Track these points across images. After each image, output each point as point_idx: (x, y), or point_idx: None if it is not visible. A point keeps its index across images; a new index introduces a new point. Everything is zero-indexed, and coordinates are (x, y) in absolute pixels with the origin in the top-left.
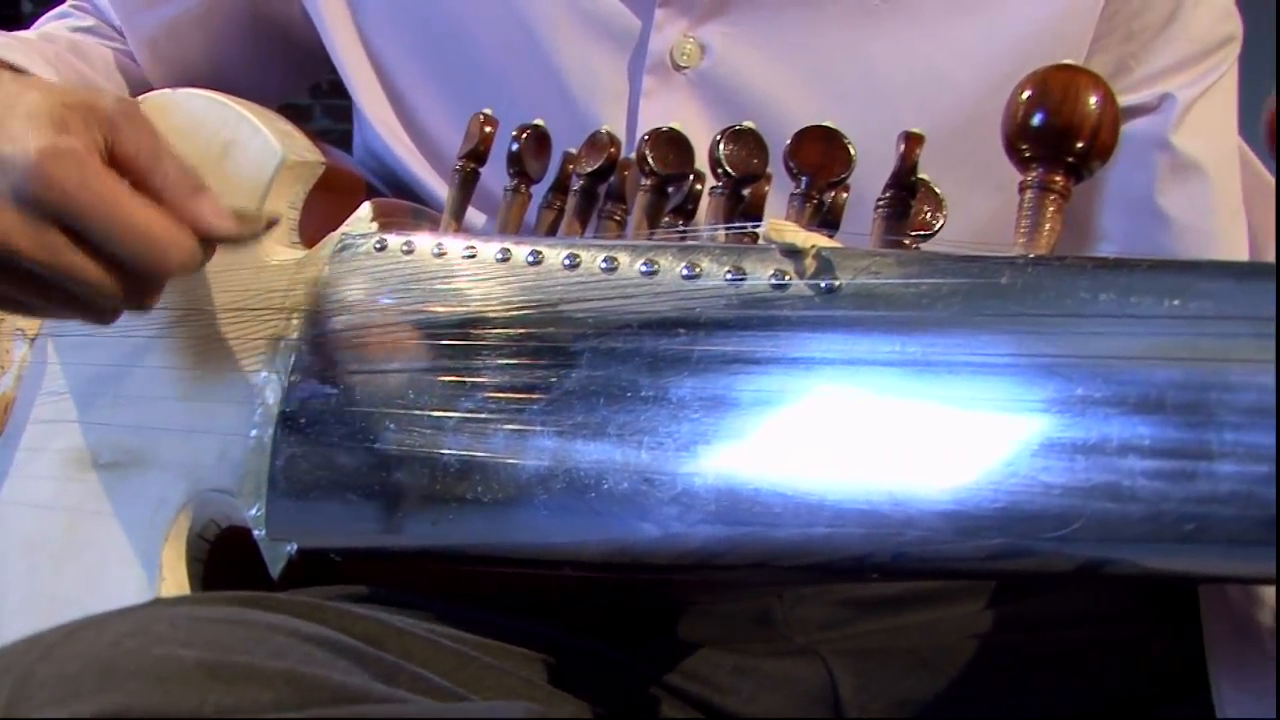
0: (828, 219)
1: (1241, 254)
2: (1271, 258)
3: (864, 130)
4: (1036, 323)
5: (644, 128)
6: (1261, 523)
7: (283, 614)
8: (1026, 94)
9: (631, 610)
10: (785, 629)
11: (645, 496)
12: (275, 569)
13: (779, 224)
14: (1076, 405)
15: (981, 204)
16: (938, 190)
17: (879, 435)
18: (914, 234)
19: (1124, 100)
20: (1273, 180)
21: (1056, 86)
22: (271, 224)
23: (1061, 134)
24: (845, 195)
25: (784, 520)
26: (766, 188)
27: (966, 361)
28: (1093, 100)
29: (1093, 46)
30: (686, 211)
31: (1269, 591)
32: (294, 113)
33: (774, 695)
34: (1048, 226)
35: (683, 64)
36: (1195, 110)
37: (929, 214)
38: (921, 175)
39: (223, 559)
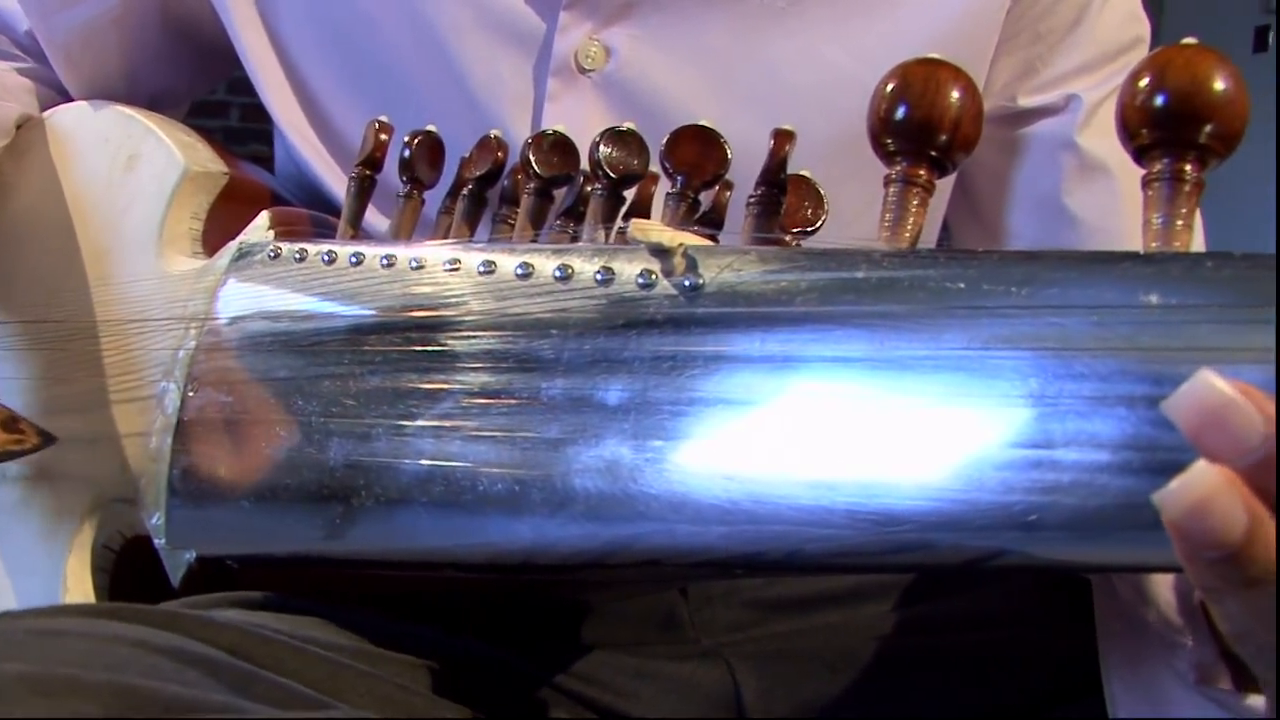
0: (711, 218)
1: None
2: None
3: (769, 132)
4: (891, 316)
5: None
6: (1101, 511)
7: (137, 624)
8: (889, 87)
9: (532, 613)
10: (691, 631)
11: (518, 497)
12: (176, 577)
13: (643, 223)
14: (930, 398)
15: None
16: (820, 188)
17: (739, 432)
18: (795, 231)
19: (1031, 101)
20: None
21: (917, 80)
22: (43, 445)
23: (923, 127)
24: (728, 194)
25: (651, 518)
26: (653, 188)
27: (823, 356)
28: (954, 94)
29: (1001, 49)
30: (579, 214)
31: (1156, 592)
32: (261, 114)
33: (676, 699)
34: (911, 221)
35: (588, 67)
36: (1103, 111)
37: (810, 211)
38: (803, 172)
39: (130, 569)
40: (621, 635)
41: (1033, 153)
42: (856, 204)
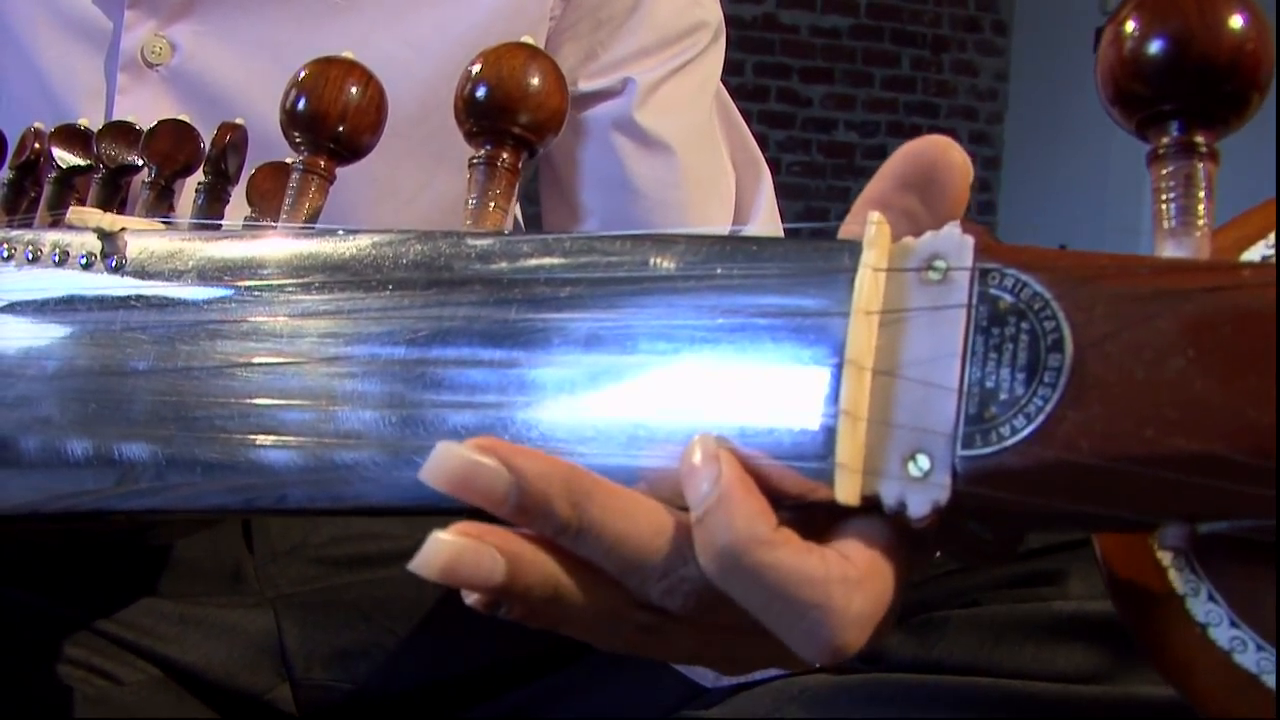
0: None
1: (717, 222)
2: (754, 223)
3: None
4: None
5: None
6: None
7: None
8: (293, 80)
9: (97, 566)
10: (256, 585)
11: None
12: None
13: (81, 210)
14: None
15: (445, 184)
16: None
17: (148, 394)
18: (277, 216)
19: (590, 85)
20: (759, 153)
21: (311, 77)
22: None
23: (314, 119)
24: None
25: (74, 472)
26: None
27: (202, 322)
28: (351, 88)
29: (564, 35)
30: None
31: None
32: None
33: (219, 643)
34: (308, 204)
35: (154, 61)
36: (662, 91)
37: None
38: (288, 160)
39: None
40: (194, 587)
41: (595, 134)
42: (413, 184)
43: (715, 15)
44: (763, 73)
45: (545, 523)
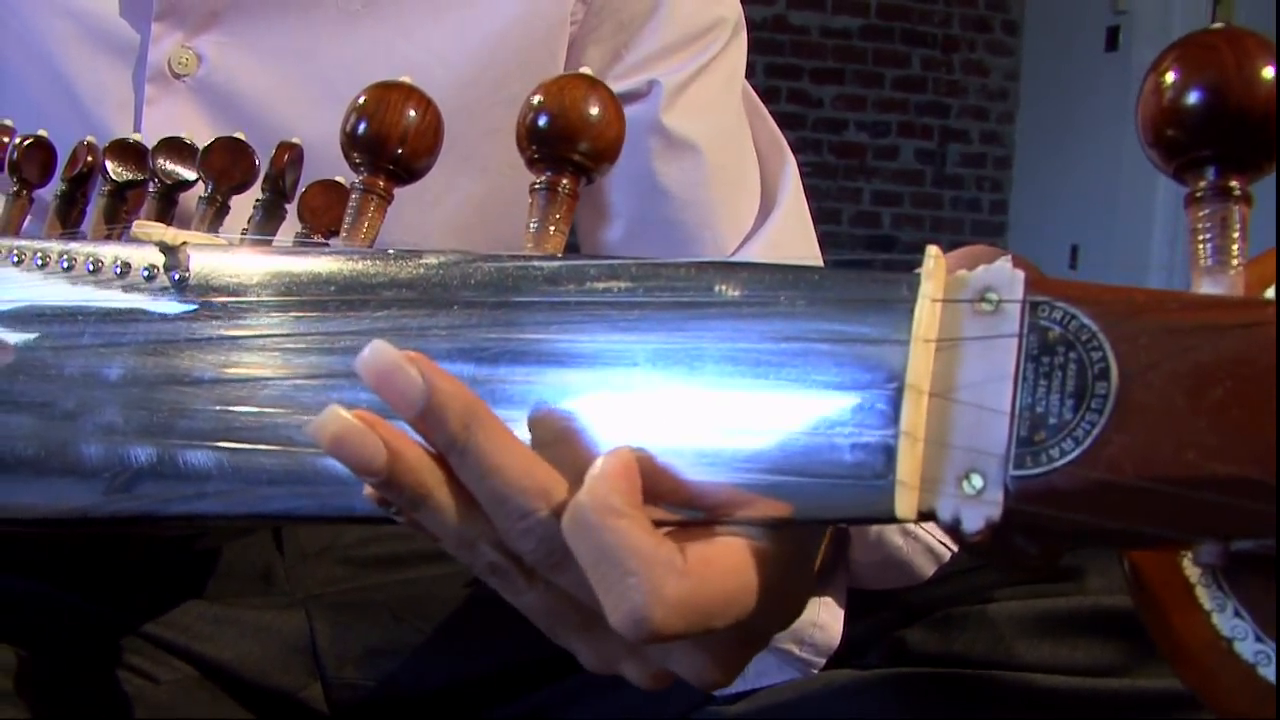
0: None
1: (745, 219)
2: (780, 205)
3: None
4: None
5: (149, 133)
6: None
7: None
8: (353, 105)
9: (132, 566)
10: (286, 585)
11: (42, 463)
12: None
13: (145, 224)
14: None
15: (469, 188)
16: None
17: (216, 402)
18: (325, 231)
19: (617, 87)
20: (781, 136)
21: (372, 100)
22: None
23: (375, 141)
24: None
25: (142, 480)
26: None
27: (264, 335)
28: (409, 111)
29: (589, 38)
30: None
31: None
32: None
33: (254, 642)
34: (367, 224)
35: (181, 72)
36: (689, 93)
37: (338, 212)
38: (338, 179)
39: None
40: (225, 589)
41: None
42: (437, 187)
43: (734, 10)
44: (773, 74)
45: (439, 433)
